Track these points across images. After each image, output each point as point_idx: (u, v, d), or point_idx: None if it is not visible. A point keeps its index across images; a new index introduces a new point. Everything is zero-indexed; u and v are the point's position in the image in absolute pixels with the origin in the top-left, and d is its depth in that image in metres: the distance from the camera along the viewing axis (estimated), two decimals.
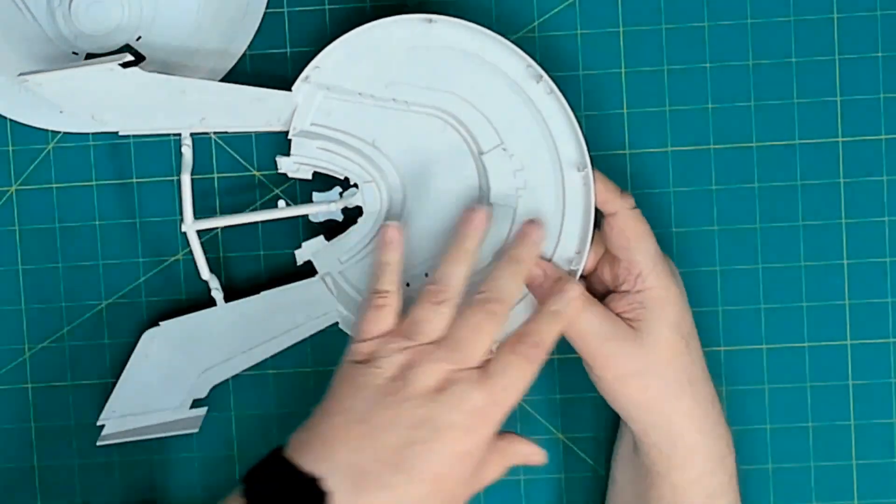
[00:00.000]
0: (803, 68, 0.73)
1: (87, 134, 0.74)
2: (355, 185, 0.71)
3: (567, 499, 0.75)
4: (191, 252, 0.71)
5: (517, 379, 0.63)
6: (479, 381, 0.62)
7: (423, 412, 0.61)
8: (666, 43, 0.73)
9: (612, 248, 0.69)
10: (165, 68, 0.72)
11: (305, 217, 0.74)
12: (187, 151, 0.71)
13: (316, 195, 0.73)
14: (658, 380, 0.67)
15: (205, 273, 0.72)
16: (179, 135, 0.72)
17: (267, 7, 0.73)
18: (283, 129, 0.71)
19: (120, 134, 0.71)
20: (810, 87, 0.73)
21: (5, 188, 0.75)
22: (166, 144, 0.74)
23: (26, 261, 0.75)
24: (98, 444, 0.72)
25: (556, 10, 0.73)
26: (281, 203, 0.72)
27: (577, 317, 0.67)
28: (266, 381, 0.75)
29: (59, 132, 0.74)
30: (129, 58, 0.68)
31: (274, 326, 0.72)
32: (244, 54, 0.73)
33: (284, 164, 0.71)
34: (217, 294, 0.73)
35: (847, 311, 0.74)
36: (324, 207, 0.72)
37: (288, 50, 0.74)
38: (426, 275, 0.71)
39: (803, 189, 0.74)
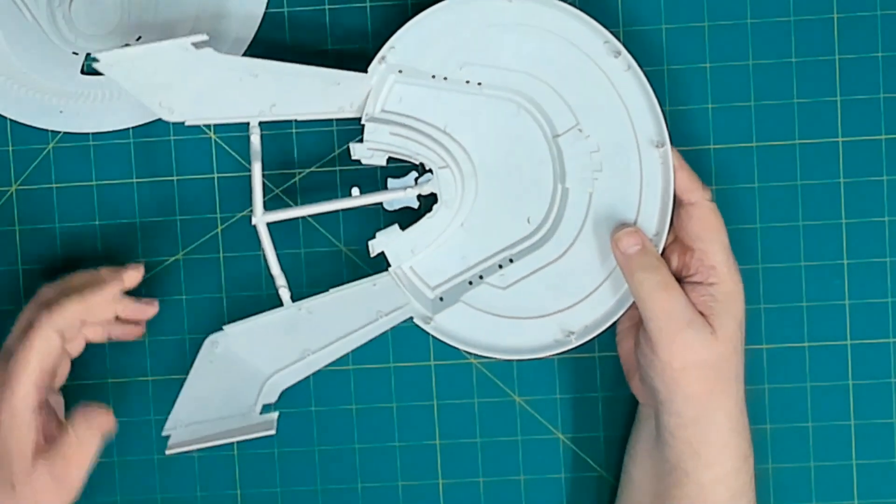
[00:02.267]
0: (803, 68, 0.73)
1: (87, 134, 0.74)
2: (430, 171, 0.70)
3: (567, 499, 0.75)
4: (261, 246, 0.69)
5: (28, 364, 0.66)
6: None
7: None
8: (666, 43, 0.73)
9: (686, 239, 0.68)
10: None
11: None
12: (256, 140, 0.69)
13: (391, 181, 0.71)
14: (717, 375, 0.67)
15: (275, 269, 0.69)
16: (247, 124, 0.70)
17: (267, 7, 0.73)
18: (356, 115, 0.70)
19: (187, 124, 0.68)
20: (810, 87, 0.73)
21: (5, 188, 0.75)
22: (166, 144, 0.74)
23: (26, 261, 0.75)
24: (167, 452, 0.69)
25: None
26: (355, 191, 0.69)
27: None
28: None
29: (59, 132, 0.74)
30: (204, 37, 0.66)
31: (344, 325, 0.70)
32: (244, 54, 0.73)
33: (358, 151, 0.70)
34: (284, 293, 0.70)
35: (847, 311, 0.74)
36: (399, 194, 0.70)
37: (288, 50, 0.74)
38: (500, 266, 0.70)
39: (803, 189, 0.74)
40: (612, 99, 0.69)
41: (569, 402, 0.75)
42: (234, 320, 0.69)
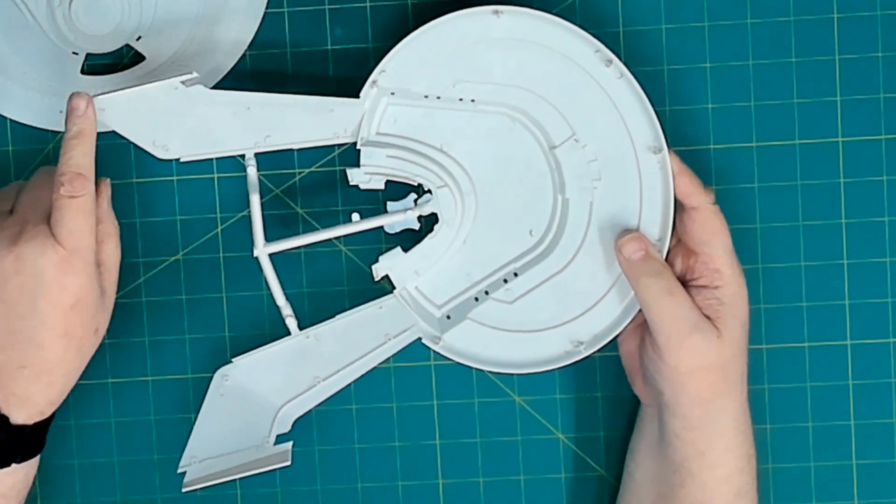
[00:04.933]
0: (803, 68, 0.73)
1: None
2: (429, 191, 0.70)
3: (568, 499, 0.76)
4: (264, 277, 0.69)
5: (76, 218, 0.64)
6: (48, 235, 0.63)
7: (15, 287, 0.62)
8: (666, 43, 0.73)
9: (690, 242, 0.68)
10: (172, 65, 0.72)
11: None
12: (252, 172, 0.69)
13: (391, 204, 0.71)
14: (724, 377, 0.67)
15: (280, 299, 0.69)
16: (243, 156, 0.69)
17: (267, 7, 0.73)
18: (350, 140, 0.69)
19: (182, 161, 0.68)
20: (810, 87, 0.73)
21: None
22: None
23: None
24: (183, 490, 0.68)
25: (555, 11, 0.73)
26: (355, 216, 0.69)
27: (92, 126, 0.66)
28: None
29: (59, 132, 0.74)
30: (194, 75, 0.66)
31: (353, 350, 0.69)
32: (244, 54, 0.73)
33: (355, 176, 0.69)
34: (291, 322, 0.69)
35: (847, 311, 0.74)
36: (399, 217, 0.69)
37: (288, 50, 0.74)
38: (505, 281, 0.70)
39: (803, 189, 0.74)
40: (607, 107, 0.69)
41: (569, 402, 0.75)
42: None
